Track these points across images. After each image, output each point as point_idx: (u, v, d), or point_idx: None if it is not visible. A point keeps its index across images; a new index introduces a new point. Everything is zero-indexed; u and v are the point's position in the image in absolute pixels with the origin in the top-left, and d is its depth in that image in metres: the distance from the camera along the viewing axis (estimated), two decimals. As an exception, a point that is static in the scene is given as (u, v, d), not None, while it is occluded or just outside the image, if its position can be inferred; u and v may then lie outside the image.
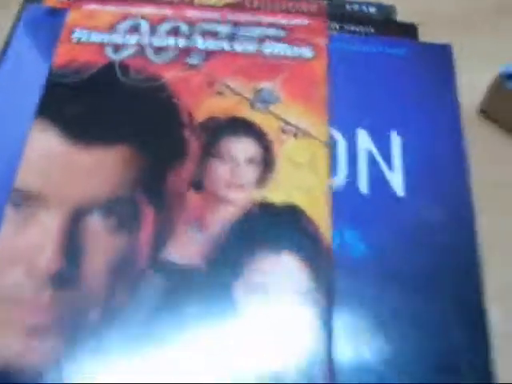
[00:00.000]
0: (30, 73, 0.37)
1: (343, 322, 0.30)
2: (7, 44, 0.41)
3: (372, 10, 0.47)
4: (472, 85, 0.42)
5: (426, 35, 0.44)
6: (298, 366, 0.28)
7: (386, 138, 0.37)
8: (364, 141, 0.37)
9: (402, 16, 0.46)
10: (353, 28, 0.44)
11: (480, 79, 0.42)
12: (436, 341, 0.31)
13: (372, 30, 0.44)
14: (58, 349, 0.28)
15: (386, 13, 0.47)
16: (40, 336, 0.28)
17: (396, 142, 0.37)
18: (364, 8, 0.47)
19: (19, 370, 0.27)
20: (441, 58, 0.41)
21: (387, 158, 0.37)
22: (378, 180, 0.36)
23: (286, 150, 0.33)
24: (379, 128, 0.37)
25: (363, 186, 0.36)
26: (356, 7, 0.47)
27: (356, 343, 0.30)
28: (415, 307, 0.32)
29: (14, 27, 0.42)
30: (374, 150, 0.37)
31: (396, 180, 0.36)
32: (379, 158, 0.36)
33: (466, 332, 0.32)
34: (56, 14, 0.40)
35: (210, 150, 0.33)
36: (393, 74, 0.40)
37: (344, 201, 0.34)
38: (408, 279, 0.33)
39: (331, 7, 0.43)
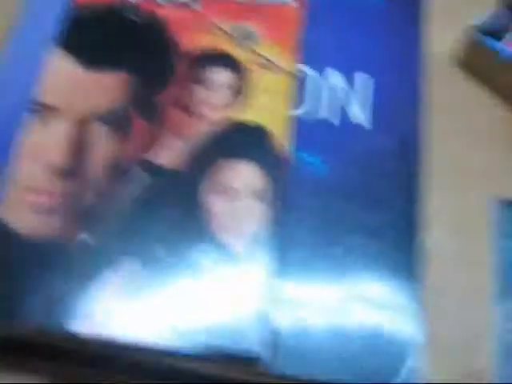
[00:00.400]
0: (49, 5, 0.44)
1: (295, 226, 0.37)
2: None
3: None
4: (445, 35, 0.46)
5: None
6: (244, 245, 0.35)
7: (352, 77, 0.43)
8: (333, 77, 0.43)
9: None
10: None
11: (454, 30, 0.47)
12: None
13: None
14: (63, 225, 0.35)
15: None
16: (49, 214, 0.36)
17: (361, 80, 0.43)
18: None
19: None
20: (412, 6, 0.46)
21: (352, 93, 0.42)
22: (340, 112, 0.42)
23: (259, 79, 0.40)
24: (347, 68, 0.43)
25: (325, 114, 0.42)
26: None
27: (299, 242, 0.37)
28: (362, 217, 0.38)
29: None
30: (340, 86, 0.43)
31: (357, 113, 0.42)
32: (344, 93, 0.42)
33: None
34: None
35: (193, 75, 0.40)
36: (365, 20, 0.45)
37: (306, 127, 0.40)
38: (359, 197, 0.39)
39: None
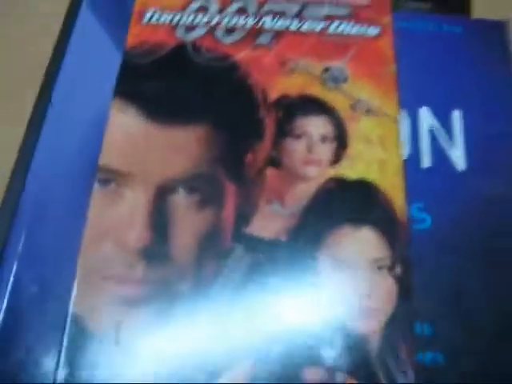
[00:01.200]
0: (102, 53, 0.38)
1: (417, 292, 0.32)
2: (69, 22, 0.41)
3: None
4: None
5: (479, 9, 0.45)
6: (381, 336, 0.29)
7: (446, 115, 0.38)
8: (426, 118, 0.38)
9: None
10: (410, 5, 0.45)
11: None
12: (504, 311, 0.33)
13: (428, 6, 0.44)
14: (150, 320, 0.29)
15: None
16: (132, 308, 0.30)
17: (456, 118, 0.38)
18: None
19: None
20: (495, 34, 0.42)
21: (449, 134, 0.38)
22: (439, 155, 0.37)
23: (358, 127, 0.34)
24: (440, 105, 0.38)
25: (426, 160, 0.37)
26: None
27: (431, 313, 0.32)
28: (481, 279, 0.33)
29: (73, 6, 0.43)
30: (436, 127, 0.38)
31: (457, 155, 0.37)
32: (441, 134, 0.37)
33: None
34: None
35: (284, 127, 0.34)
36: (450, 51, 0.41)
37: (408, 175, 0.35)
38: (472, 251, 0.34)
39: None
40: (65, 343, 0.29)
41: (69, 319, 0.29)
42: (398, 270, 0.31)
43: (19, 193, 0.35)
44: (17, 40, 0.45)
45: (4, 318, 0.31)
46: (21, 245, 0.33)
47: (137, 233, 0.31)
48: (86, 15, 0.40)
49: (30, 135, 0.38)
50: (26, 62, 0.43)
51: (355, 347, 0.29)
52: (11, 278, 0.32)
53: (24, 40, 0.45)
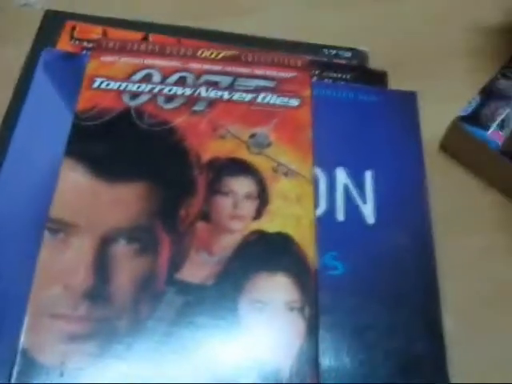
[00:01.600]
0: (54, 114, 0.43)
1: (326, 330, 0.37)
2: (21, 85, 0.46)
3: (347, 55, 0.54)
4: (438, 124, 0.49)
5: (395, 79, 0.51)
6: (291, 366, 0.35)
7: (359, 174, 0.44)
8: (341, 176, 0.44)
9: (374, 60, 0.53)
10: (331, 74, 0.51)
11: (445, 119, 0.50)
12: (403, 345, 0.38)
13: (348, 77, 0.51)
14: (94, 353, 0.34)
15: (360, 58, 0.54)
16: (76, 343, 0.34)
17: (368, 177, 0.44)
18: (340, 53, 0.54)
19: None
20: (407, 104, 0.48)
21: (361, 191, 0.44)
22: (352, 210, 0.43)
23: (278, 186, 0.40)
24: (354, 166, 0.44)
25: (340, 214, 0.42)
26: (333, 52, 0.54)
27: (336, 348, 0.37)
28: (385, 318, 0.39)
29: (27, 69, 0.48)
30: (350, 184, 0.44)
31: (368, 210, 0.43)
32: (354, 192, 0.43)
33: (426, 339, 0.39)
34: (72, 58, 0.46)
35: (214, 186, 0.39)
36: (366, 118, 0.47)
37: (324, 228, 0.40)
38: (379, 294, 0.40)
39: (311, 52, 0.50)
40: (14, 374, 0.33)
41: (19, 352, 0.33)
42: (307, 311, 0.36)
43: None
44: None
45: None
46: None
47: (81, 277, 0.35)
48: (40, 77, 0.45)
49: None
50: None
51: (269, 377, 0.34)
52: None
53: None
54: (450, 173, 0.49)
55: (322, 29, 0.55)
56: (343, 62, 0.53)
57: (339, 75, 0.51)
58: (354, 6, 0.57)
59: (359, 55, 0.54)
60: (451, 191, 0.47)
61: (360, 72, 0.51)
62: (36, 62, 0.47)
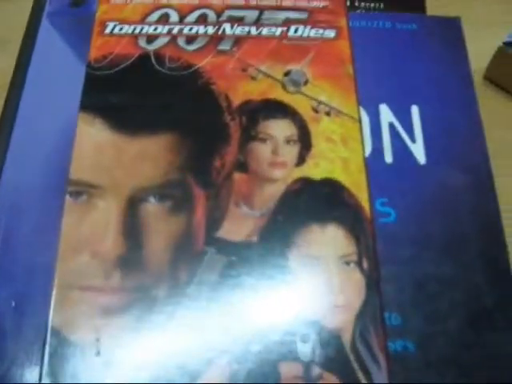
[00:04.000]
0: (65, 67, 0.39)
1: (384, 283, 0.33)
2: (30, 35, 0.42)
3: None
4: (478, 53, 0.44)
5: (431, 4, 0.46)
6: (353, 327, 0.31)
7: (405, 111, 0.40)
8: (386, 114, 0.39)
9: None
10: (363, 4, 0.46)
11: (486, 47, 0.45)
12: (467, 298, 0.34)
13: (381, 6, 0.46)
14: (131, 326, 0.30)
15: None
16: (111, 317, 0.30)
17: (415, 113, 0.40)
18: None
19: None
20: (450, 31, 0.43)
21: (408, 129, 0.39)
22: (400, 150, 0.38)
23: (321, 127, 0.35)
24: (398, 101, 0.40)
25: (388, 156, 0.38)
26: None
27: (398, 303, 0.33)
28: (446, 267, 0.35)
29: (34, 19, 0.43)
30: (396, 123, 0.39)
31: (418, 149, 0.38)
32: (400, 130, 0.39)
33: (494, 287, 0.35)
34: (79, 4, 0.42)
35: (249, 132, 0.35)
36: (406, 48, 0.42)
37: (371, 171, 0.36)
38: (437, 241, 0.36)
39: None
40: (46, 355, 0.29)
41: (49, 331, 0.30)
42: (366, 264, 0.32)
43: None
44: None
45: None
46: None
47: (111, 242, 0.31)
48: (46, 29, 0.41)
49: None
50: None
51: (328, 341, 0.30)
52: (-14, 295, 0.32)
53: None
54: (498, 104, 0.44)
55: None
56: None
57: (371, 5, 0.46)
58: None
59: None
60: (502, 123, 0.43)
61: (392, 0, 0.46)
62: (39, 15, 0.42)
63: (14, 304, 0.33)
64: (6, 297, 0.33)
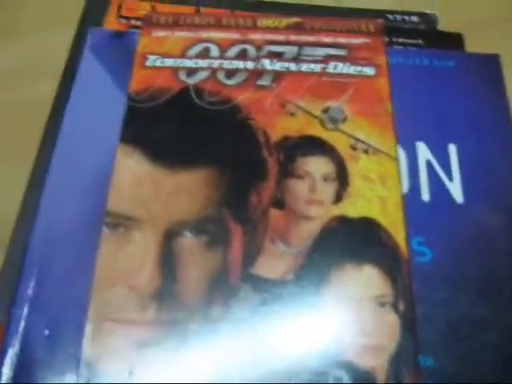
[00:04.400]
0: (105, 98, 0.39)
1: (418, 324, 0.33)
2: (69, 66, 0.42)
3: (414, 19, 0.49)
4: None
5: (470, 43, 0.46)
6: (387, 368, 0.30)
7: (442, 149, 0.39)
8: (423, 152, 0.39)
9: (444, 24, 0.48)
10: (401, 40, 0.46)
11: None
12: (501, 340, 0.33)
13: (420, 42, 0.46)
14: (164, 360, 0.30)
15: (429, 22, 0.49)
16: (144, 349, 0.30)
17: (452, 150, 0.39)
18: (406, 18, 0.49)
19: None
20: (488, 68, 0.43)
21: (445, 167, 0.39)
22: (438, 188, 0.38)
23: (358, 166, 0.35)
24: (436, 139, 0.39)
25: (425, 194, 0.38)
26: (398, 17, 0.49)
27: (431, 344, 0.33)
28: (481, 309, 0.34)
29: (74, 51, 0.44)
30: (433, 160, 0.39)
31: (455, 188, 0.38)
32: (438, 168, 0.38)
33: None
34: (121, 37, 0.42)
35: (287, 168, 0.35)
36: (444, 85, 0.42)
37: (408, 210, 0.36)
38: (472, 282, 0.35)
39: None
40: (79, 387, 0.29)
41: (82, 362, 0.30)
42: (401, 305, 0.32)
43: (27, 237, 0.35)
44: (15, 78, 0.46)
45: (16, 362, 0.31)
46: (30, 289, 0.33)
47: (147, 275, 0.32)
48: (88, 59, 0.41)
49: (35, 179, 0.39)
50: (25, 103, 0.44)
51: (362, 379, 0.30)
52: (22, 323, 0.32)
53: (23, 78, 0.46)
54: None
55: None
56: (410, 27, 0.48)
57: (409, 41, 0.46)
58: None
59: (427, 19, 0.49)
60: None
61: (432, 36, 0.46)
62: (83, 43, 0.43)
63: (47, 333, 0.33)
64: (40, 325, 0.33)
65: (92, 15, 0.47)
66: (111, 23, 0.46)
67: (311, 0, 0.48)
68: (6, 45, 0.48)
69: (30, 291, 0.33)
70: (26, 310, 0.33)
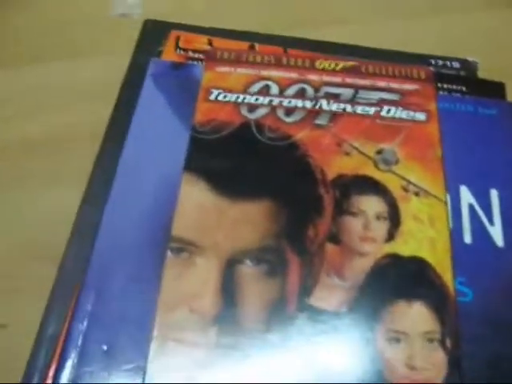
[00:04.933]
0: (166, 127, 0.41)
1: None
2: (124, 97, 0.44)
3: (456, 65, 0.51)
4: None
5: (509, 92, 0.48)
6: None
7: (485, 194, 0.41)
8: (466, 196, 0.41)
9: (484, 71, 0.50)
10: (446, 85, 0.48)
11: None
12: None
13: (464, 89, 0.48)
14: (223, 382, 0.32)
15: (470, 68, 0.51)
16: (206, 370, 0.32)
17: (494, 196, 0.41)
18: (448, 63, 0.51)
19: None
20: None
21: (487, 211, 0.41)
22: (479, 231, 0.40)
23: (410, 207, 0.37)
24: (478, 184, 0.41)
25: (467, 236, 0.39)
26: (440, 62, 0.51)
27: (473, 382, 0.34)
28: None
29: (129, 80, 0.46)
30: (475, 205, 0.41)
31: (496, 231, 0.40)
32: (480, 212, 0.40)
33: None
34: (182, 68, 0.45)
35: (342, 205, 0.37)
36: (487, 132, 0.44)
37: (452, 251, 0.37)
38: (510, 323, 0.37)
39: (417, 63, 0.47)
40: (141, 401, 0.31)
41: (145, 379, 0.31)
42: (448, 342, 0.33)
43: (89, 252, 0.37)
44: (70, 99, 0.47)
45: (74, 376, 0.33)
46: (90, 305, 0.35)
47: (209, 300, 0.33)
48: (149, 87, 0.43)
49: (90, 197, 0.40)
50: (79, 124, 0.46)
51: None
52: (80, 337, 0.34)
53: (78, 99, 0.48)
54: None
55: (424, 39, 0.52)
56: (452, 73, 0.50)
57: (452, 86, 0.48)
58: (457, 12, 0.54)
59: (469, 66, 0.51)
60: None
61: (475, 83, 0.48)
62: (138, 72, 0.45)
63: (105, 348, 0.34)
64: (98, 341, 0.35)
65: (147, 45, 0.49)
66: (169, 54, 0.48)
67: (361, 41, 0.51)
68: (59, 66, 0.50)
69: (89, 306, 0.35)
70: (85, 325, 0.34)
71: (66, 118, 0.47)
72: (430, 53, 0.51)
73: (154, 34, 0.50)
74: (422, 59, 0.50)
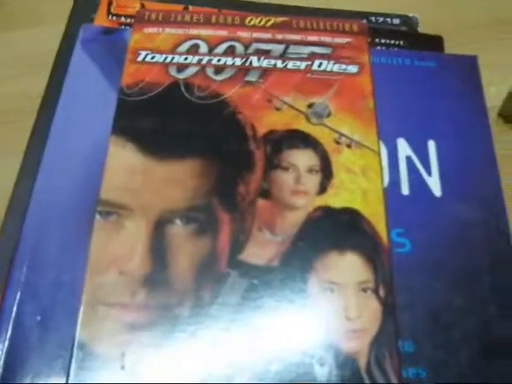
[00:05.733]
0: (96, 92, 0.40)
1: (399, 312, 0.34)
2: (59, 61, 0.44)
3: (395, 21, 0.51)
4: (494, 91, 0.46)
5: (449, 45, 0.48)
6: (369, 352, 0.32)
7: (422, 145, 0.41)
8: (404, 148, 0.41)
9: (424, 26, 0.50)
10: (383, 41, 0.48)
11: (502, 87, 0.46)
12: (481, 326, 0.35)
13: (401, 43, 0.48)
14: (155, 343, 0.31)
15: (410, 25, 0.51)
16: (136, 333, 0.32)
17: (431, 148, 0.41)
18: (388, 20, 0.51)
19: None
20: (467, 68, 0.45)
21: (424, 163, 0.40)
22: (417, 183, 0.40)
23: (342, 159, 0.37)
24: (416, 136, 0.41)
25: (405, 188, 0.39)
26: (380, 19, 0.51)
27: (412, 331, 0.34)
28: (459, 298, 0.36)
29: (63, 47, 0.45)
30: (413, 156, 0.40)
31: (434, 182, 0.40)
32: (417, 163, 0.40)
33: (505, 318, 0.35)
34: (112, 33, 0.44)
35: (273, 160, 0.36)
36: (424, 85, 0.44)
37: (388, 202, 0.37)
38: (450, 273, 0.37)
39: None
40: (72, 368, 0.30)
41: (76, 345, 0.31)
42: (382, 291, 0.33)
43: (20, 222, 0.36)
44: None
45: (8, 347, 0.32)
46: (23, 275, 0.34)
47: (138, 262, 0.33)
48: (79, 54, 0.42)
49: (25, 170, 0.40)
50: (17, 96, 0.45)
51: (345, 364, 0.31)
52: (14, 308, 0.33)
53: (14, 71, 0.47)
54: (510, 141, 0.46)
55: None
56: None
57: (391, 41, 0.48)
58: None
59: (408, 22, 0.51)
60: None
61: (413, 38, 0.48)
62: (72, 40, 0.44)
63: (39, 318, 0.34)
64: (31, 311, 0.34)
65: (81, 13, 0.48)
66: (101, 20, 0.47)
67: (299, 2, 0.50)
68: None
69: (22, 277, 0.34)
70: (18, 296, 0.33)
71: (4, 89, 0.46)
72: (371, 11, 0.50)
73: (87, 1, 0.49)
74: (362, 16, 0.50)
